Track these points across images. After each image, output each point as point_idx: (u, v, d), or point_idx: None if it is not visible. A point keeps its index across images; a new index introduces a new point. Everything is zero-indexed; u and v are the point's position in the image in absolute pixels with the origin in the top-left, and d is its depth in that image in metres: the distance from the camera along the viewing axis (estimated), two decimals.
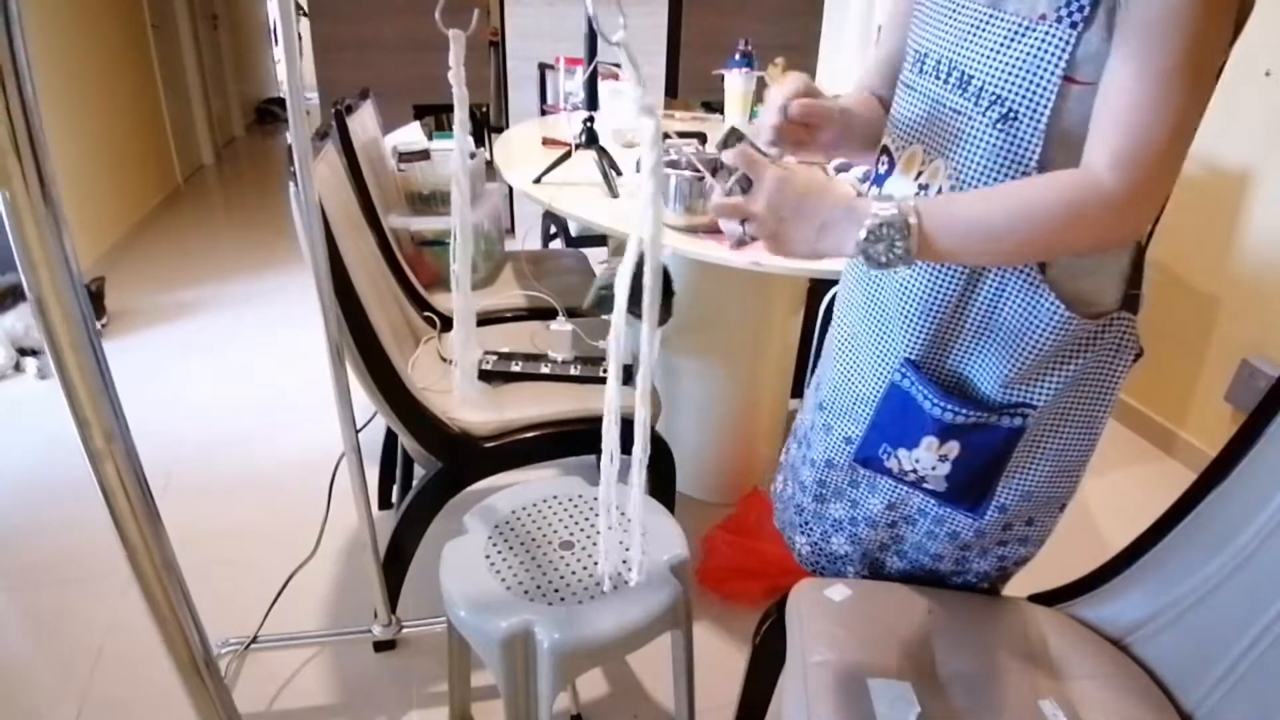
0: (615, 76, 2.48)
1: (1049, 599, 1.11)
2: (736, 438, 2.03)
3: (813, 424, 1.12)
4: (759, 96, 2.28)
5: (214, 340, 2.94)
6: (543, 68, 3.45)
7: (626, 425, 0.78)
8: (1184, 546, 0.97)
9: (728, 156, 0.80)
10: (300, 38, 1.19)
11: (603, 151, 1.85)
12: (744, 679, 1.20)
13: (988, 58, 0.79)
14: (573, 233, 3.07)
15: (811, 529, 1.14)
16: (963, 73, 0.82)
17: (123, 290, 3.27)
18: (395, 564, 1.53)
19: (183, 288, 3.40)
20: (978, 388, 0.92)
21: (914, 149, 0.89)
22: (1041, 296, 0.83)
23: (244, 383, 2.65)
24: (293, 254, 3.78)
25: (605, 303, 1.76)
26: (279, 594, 1.66)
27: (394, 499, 2.00)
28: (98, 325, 3.06)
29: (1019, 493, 0.96)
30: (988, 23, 0.80)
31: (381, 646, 1.60)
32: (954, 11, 0.84)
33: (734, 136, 0.83)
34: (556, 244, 3.26)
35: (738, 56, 2.19)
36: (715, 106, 2.71)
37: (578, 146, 1.91)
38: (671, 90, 4.00)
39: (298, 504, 2.01)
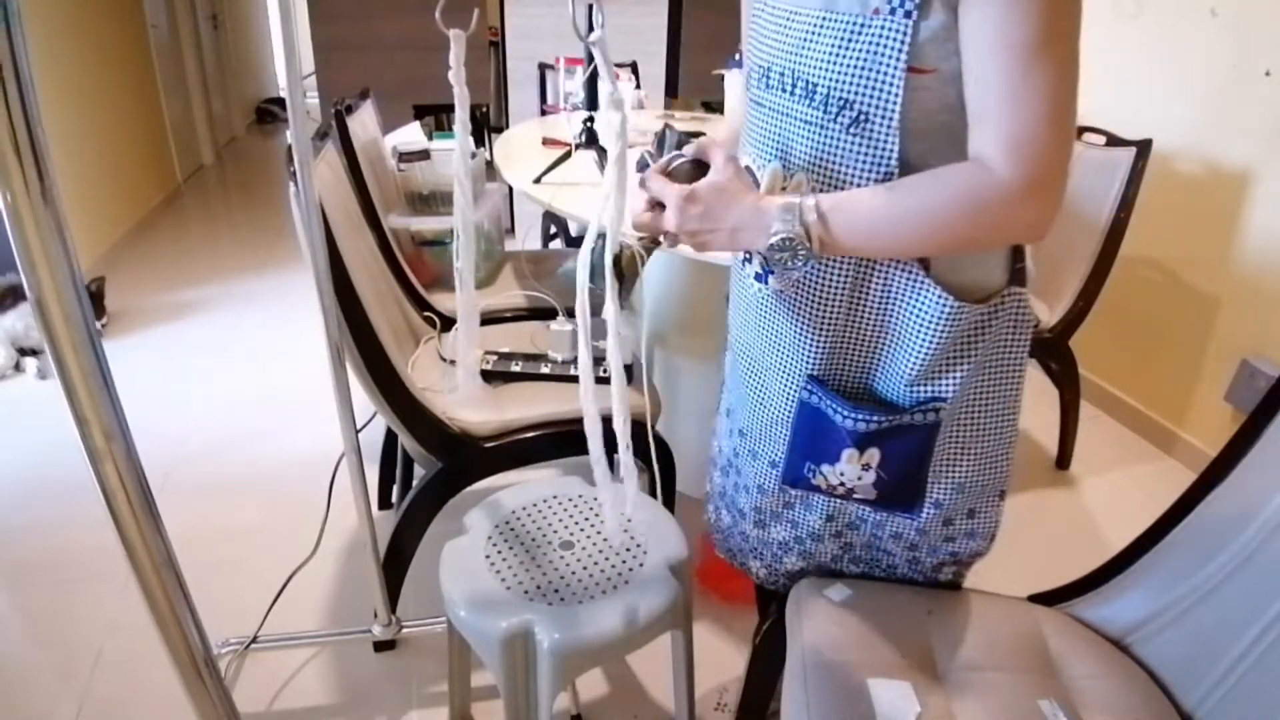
0: (616, 76, 2.49)
1: (1049, 599, 1.11)
2: None
3: (736, 451, 1.10)
4: None
5: (214, 340, 2.94)
6: (543, 68, 3.45)
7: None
8: (1184, 546, 0.97)
9: (691, 150, 0.82)
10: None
11: (603, 151, 1.85)
12: (744, 679, 1.20)
13: (828, 62, 0.77)
14: (573, 233, 3.07)
15: (762, 554, 1.13)
16: (807, 81, 0.80)
17: (123, 290, 3.27)
18: (395, 564, 1.53)
19: (183, 288, 3.40)
20: (885, 392, 0.91)
21: (773, 166, 0.87)
22: (927, 291, 0.83)
23: (244, 382, 2.65)
24: (293, 254, 3.78)
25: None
26: (279, 594, 1.66)
27: (394, 499, 2.00)
28: (98, 325, 3.05)
29: (951, 486, 0.96)
30: (822, 26, 0.77)
31: (381, 646, 1.60)
32: (788, 19, 0.81)
33: (672, 135, 0.86)
34: (556, 244, 3.26)
35: (738, 57, 2.19)
36: (715, 106, 2.71)
37: (578, 146, 1.92)
38: (671, 90, 4.00)
39: (298, 504, 2.01)
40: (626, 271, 0.87)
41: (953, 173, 0.74)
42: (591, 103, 2.53)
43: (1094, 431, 2.48)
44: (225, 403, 2.52)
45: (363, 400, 1.40)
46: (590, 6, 0.72)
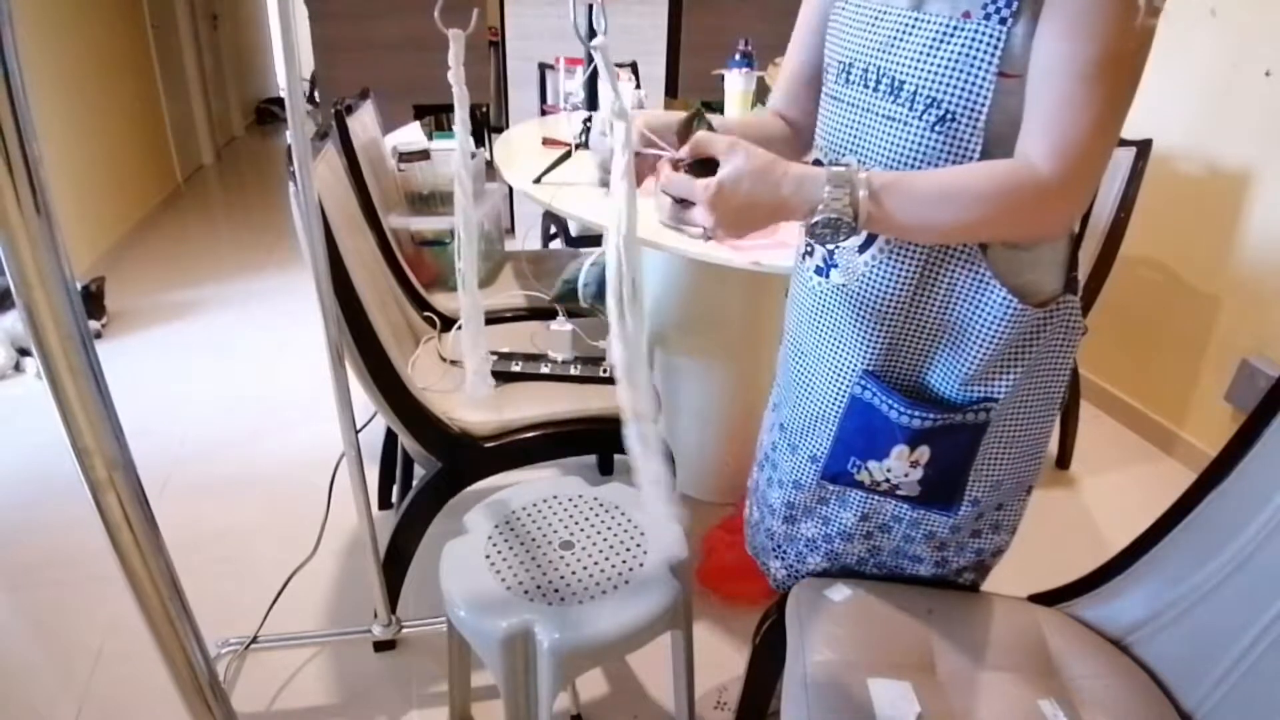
0: (618, 78, 2.48)
1: (1049, 599, 1.11)
2: (736, 438, 2.03)
3: (774, 445, 1.10)
4: (759, 97, 2.28)
5: (214, 340, 2.94)
6: (543, 68, 3.45)
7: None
8: (1184, 546, 0.97)
9: (686, 151, 0.80)
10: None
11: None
12: (744, 679, 1.20)
13: (917, 61, 0.79)
14: (573, 233, 3.07)
15: (785, 552, 1.12)
16: (892, 78, 0.82)
17: (123, 290, 3.27)
18: (395, 564, 1.53)
19: (183, 288, 3.40)
20: (939, 390, 0.92)
21: (847, 161, 0.88)
22: (992, 291, 0.84)
23: (244, 383, 2.65)
24: (293, 254, 3.78)
25: (567, 296, 1.78)
26: (279, 594, 1.66)
27: (394, 499, 2.00)
28: (97, 325, 3.03)
29: (989, 484, 0.97)
30: (913, 26, 0.79)
31: (381, 646, 1.60)
32: (876, 18, 0.83)
33: (700, 121, 0.85)
34: (556, 244, 3.26)
35: (738, 56, 2.19)
36: (715, 106, 2.71)
37: (578, 146, 1.91)
38: (671, 90, 3.99)
39: (298, 504, 2.00)
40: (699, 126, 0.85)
41: (1000, 166, 0.76)
42: (591, 103, 2.53)
43: (1094, 431, 2.48)
44: (225, 403, 2.52)
45: (363, 400, 1.40)
46: (590, 7, 0.72)
